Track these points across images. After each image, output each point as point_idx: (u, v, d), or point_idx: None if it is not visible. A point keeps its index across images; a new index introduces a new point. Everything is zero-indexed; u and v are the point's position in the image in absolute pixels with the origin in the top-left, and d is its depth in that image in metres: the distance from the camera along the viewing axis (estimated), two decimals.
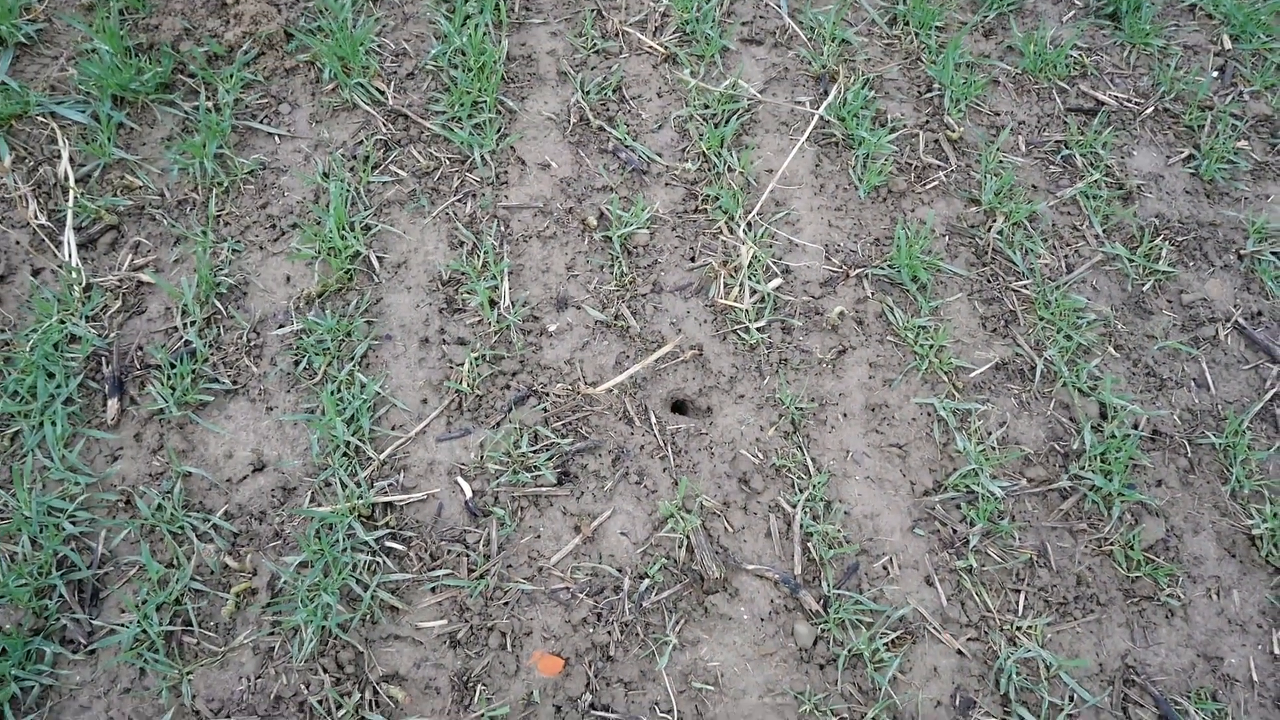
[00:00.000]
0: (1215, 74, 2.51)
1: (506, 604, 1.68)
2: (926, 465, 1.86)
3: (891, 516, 1.81)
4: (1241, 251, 2.20)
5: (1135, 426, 1.94)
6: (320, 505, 1.73)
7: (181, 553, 1.68)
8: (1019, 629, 1.71)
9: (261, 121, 2.17)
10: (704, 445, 1.87)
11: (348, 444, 1.80)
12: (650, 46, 2.40)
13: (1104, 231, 2.20)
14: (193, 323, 1.90)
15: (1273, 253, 2.20)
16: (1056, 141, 2.33)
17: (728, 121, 2.27)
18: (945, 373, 1.97)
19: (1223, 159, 2.34)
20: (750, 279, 2.05)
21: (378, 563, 1.69)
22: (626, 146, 2.23)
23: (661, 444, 1.86)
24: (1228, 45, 2.58)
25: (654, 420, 1.89)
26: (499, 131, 2.21)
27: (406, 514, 1.75)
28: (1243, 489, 1.88)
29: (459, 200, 2.12)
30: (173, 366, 1.84)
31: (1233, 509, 1.87)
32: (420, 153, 2.17)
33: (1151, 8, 2.60)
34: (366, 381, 1.87)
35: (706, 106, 2.31)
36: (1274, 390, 2.02)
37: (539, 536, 1.75)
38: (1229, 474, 1.90)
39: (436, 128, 2.20)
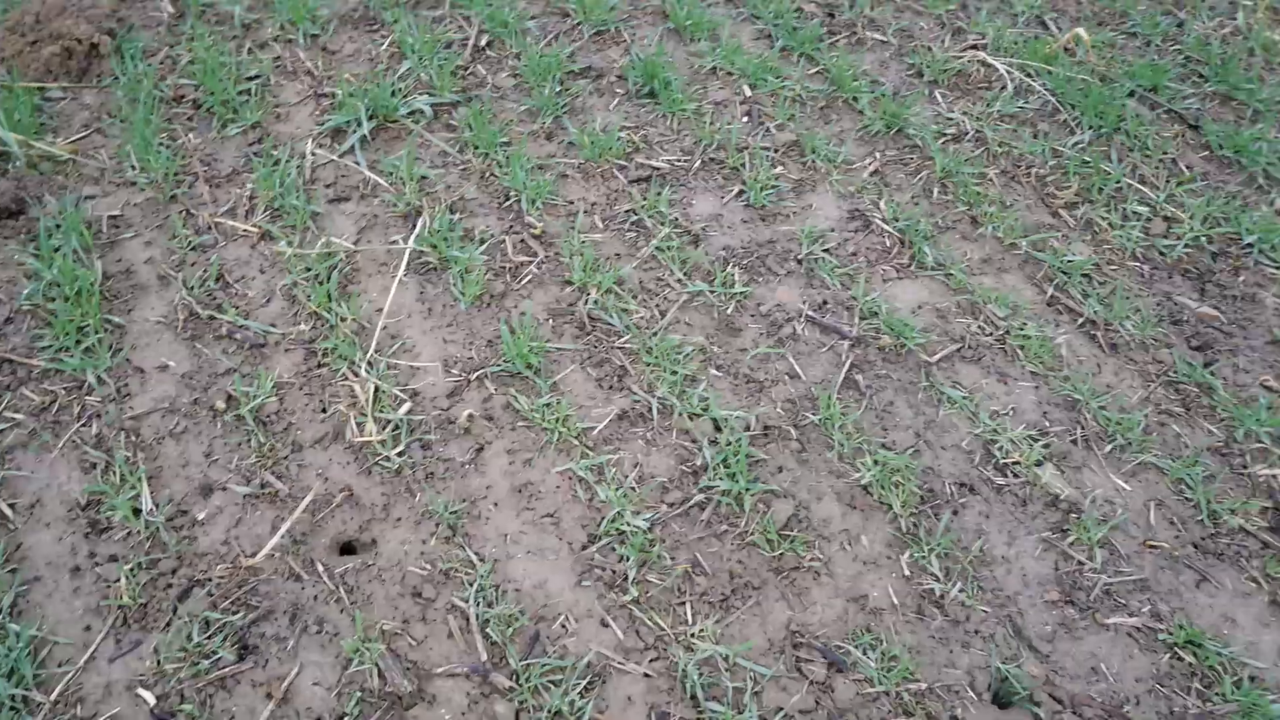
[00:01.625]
0: (745, 118, 2.89)
1: None
2: (578, 523, 2.04)
3: (558, 579, 1.96)
4: (799, 257, 2.54)
5: (747, 429, 2.19)
6: None
7: None
8: (692, 635, 1.89)
9: None
10: (373, 575, 1.97)
11: (13, 698, 1.79)
12: (244, 230, 2.54)
13: (684, 274, 2.48)
14: None
15: (824, 251, 2.55)
16: (626, 211, 2.62)
17: (330, 277, 2.43)
18: (575, 438, 2.16)
19: (766, 186, 2.69)
20: (380, 412, 2.18)
21: None
22: (240, 327, 2.34)
23: (333, 588, 1.95)
24: (749, 93, 2.98)
25: (321, 569, 1.98)
26: (111, 349, 2.27)
27: None
28: (846, 450, 2.16)
29: (83, 425, 2.16)
30: None
31: (843, 469, 2.14)
32: (33, 390, 2.20)
33: (680, 79, 2.97)
34: (20, 629, 1.86)
35: (308, 269, 2.45)
36: (850, 360, 2.33)
37: (233, 717, 1.79)
38: (833, 441, 2.17)
39: (44, 363, 2.24)
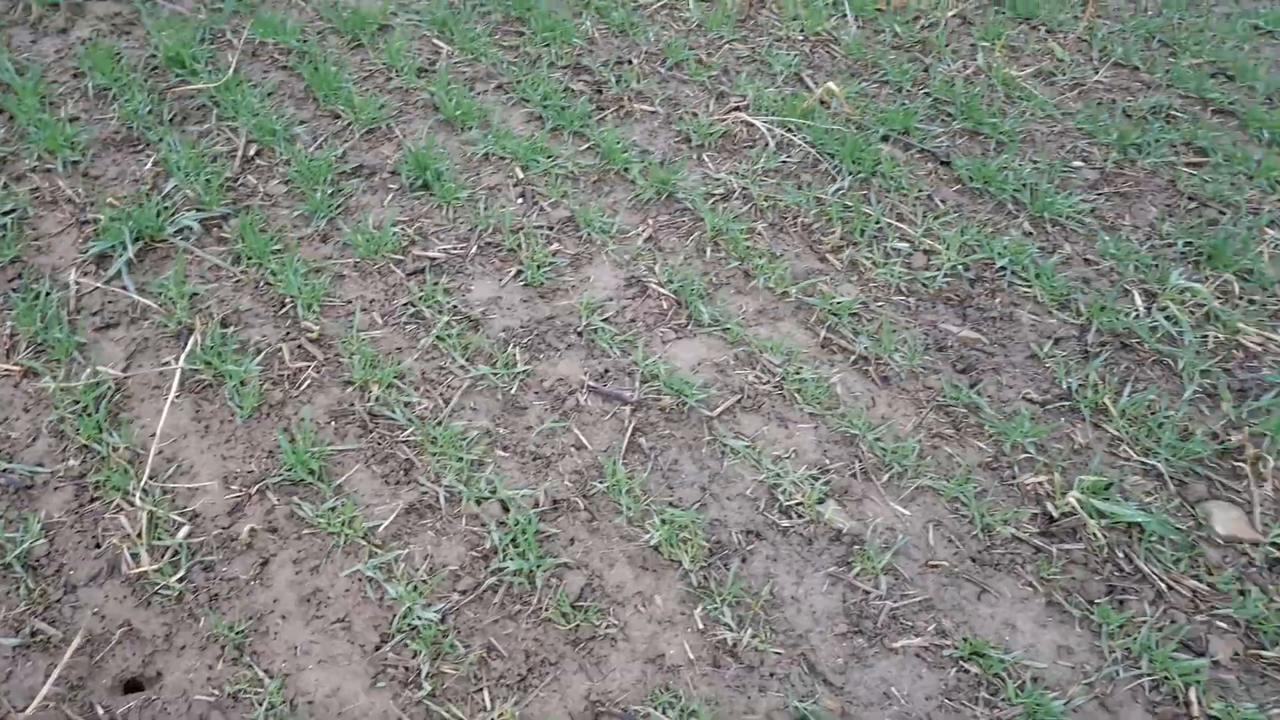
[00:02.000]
0: (519, 200, 2.94)
1: None
2: (370, 625, 2.01)
3: (351, 684, 1.92)
4: (579, 330, 2.58)
5: (536, 505, 2.20)
6: None
7: None
8: None
9: None
10: (158, 710, 1.89)
11: None
12: (5, 370, 2.45)
13: (466, 360, 2.49)
14: None
15: (603, 320, 2.60)
16: (405, 304, 2.63)
17: (98, 408, 2.36)
18: (361, 538, 2.13)
19: (543, 264, 2.74)
20: (156, 539, 2.12)
21: None
22: (3, 471, 2.24)
23: None
24: (521, 175, 3.04)
25: (102, 712, 1.89)
26: None
27: None
28: (634, 513, 2.19)
29: None
30: None
31: (633, 533, 2.16)
32: None
33: (453, 168, 3.01)
34: None
35: (76, 402, 2.37)
36: (632, 425, 2.37)
37: None
38: (621, 507, 2.20)
39: None
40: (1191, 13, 4.27)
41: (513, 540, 2.13)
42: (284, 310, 2.60)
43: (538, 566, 2.09)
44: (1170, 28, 4.13)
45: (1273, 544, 2.25)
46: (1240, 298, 2.85)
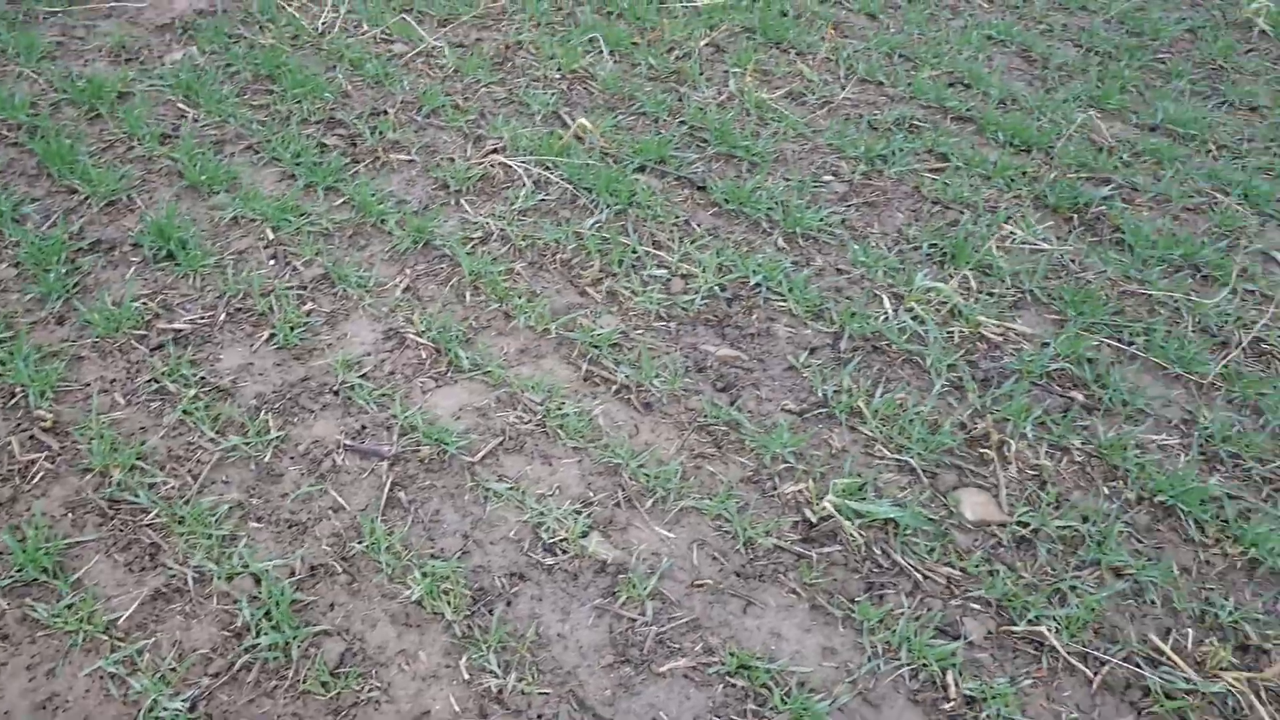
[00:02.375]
0: (271, 261, 2.86)
1: None
2: None
3: None
4: (335, 389, 2.52)
5: (291, 574, 2.12)
6: None
7: None
8: None
9: None
10: None
11: None
12: None
13: (216, 432, 2.40)
14: None
15: (360, 377, 2.54)
16: (149, 381, 2.51)
17: None
18: (102, 632, 2.02)
19: (297, 325, 2.68)
20: None
21: None
22: None
23: None
24: (272, 236, 2.96)
25: None
26: None
27: None
28: (395, 570, 2.13)
29: None
30: None
31: (394, 590, 2.12)
32: None
33: (199, 235, 2.91)
34: None
35: None
36: (391, 479, 2.32)
37: None
38: (381, 565, 2.14)
39: None
40: (930, 28, 4.52)
41: (266, 614, 2.05)
42: (14, 401, 2.45)
43: (294, 637, 2.02)
44: (910, 43, 4.35)
45: (1019, 523, 2.36)
46: (980, 292, 3.00)
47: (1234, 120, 4.10)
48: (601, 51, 3.98)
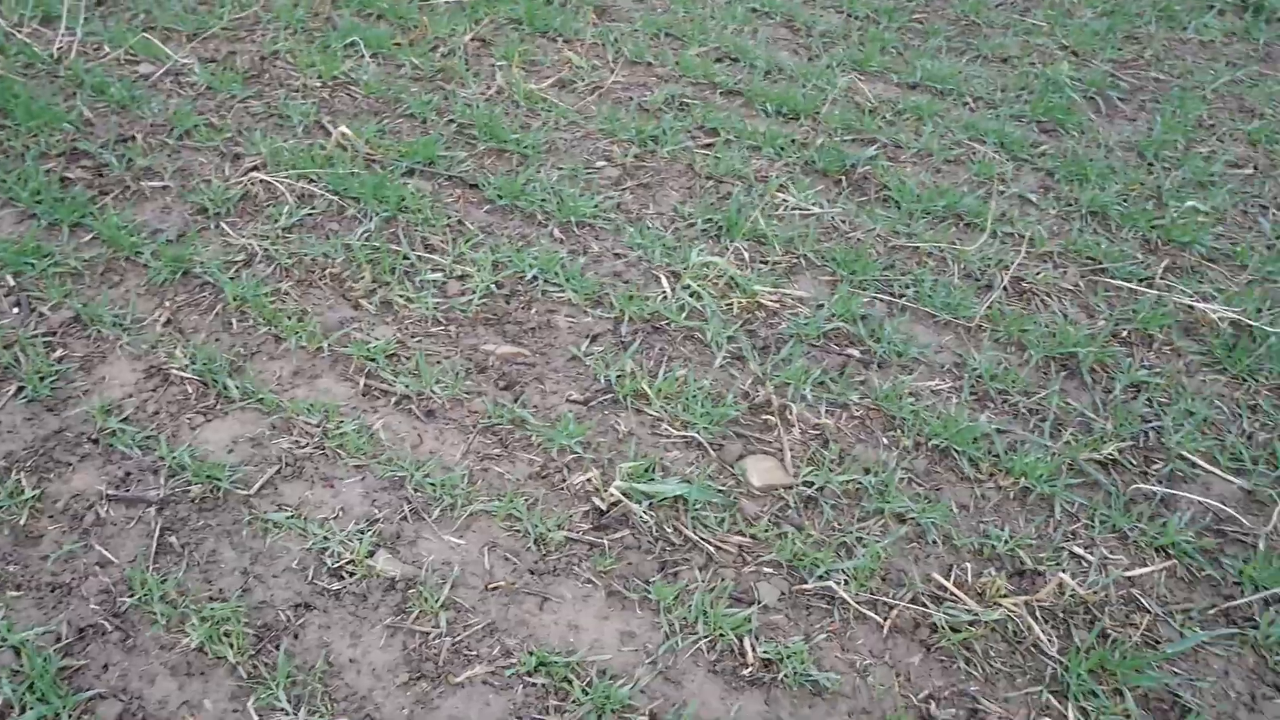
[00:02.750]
0: (15, 310, 2.67)
1: None
2: None
3: None
4: (94, 437, 2.38)
5: (57, 641, 1.99)
6: None
7: None
8: None
9: None
10: None
11: None
12: None
13: None
14: None
15: (121, 422, 2.40)
16: None
17: None
18: None
19: (47, 374, 2.51)
20: None
21: None
22: None
23: None
24: (13, 282, 2.77)
25: None
26: None
27: None
28: (171, 619, 2.03)
29: None
30: None
31: (171, 640, 2.02)
32: None
33: None
34: None
35: None
36: (159, 525, 2.21)
37: None
38: (157, 616, 2.03)
39: None
40: (695, 5, 4.58)
41: (30, 687, 1.92)
42: None
43: (64, 708, 1.90)
44: (677, 21, 4.40)
45: (804, 483, 2.42)
46: (755, 262, 3.06)
47: (987, 72, 4.30)
48: (363, 55, 3.89)
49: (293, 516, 2.26)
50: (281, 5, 4.12)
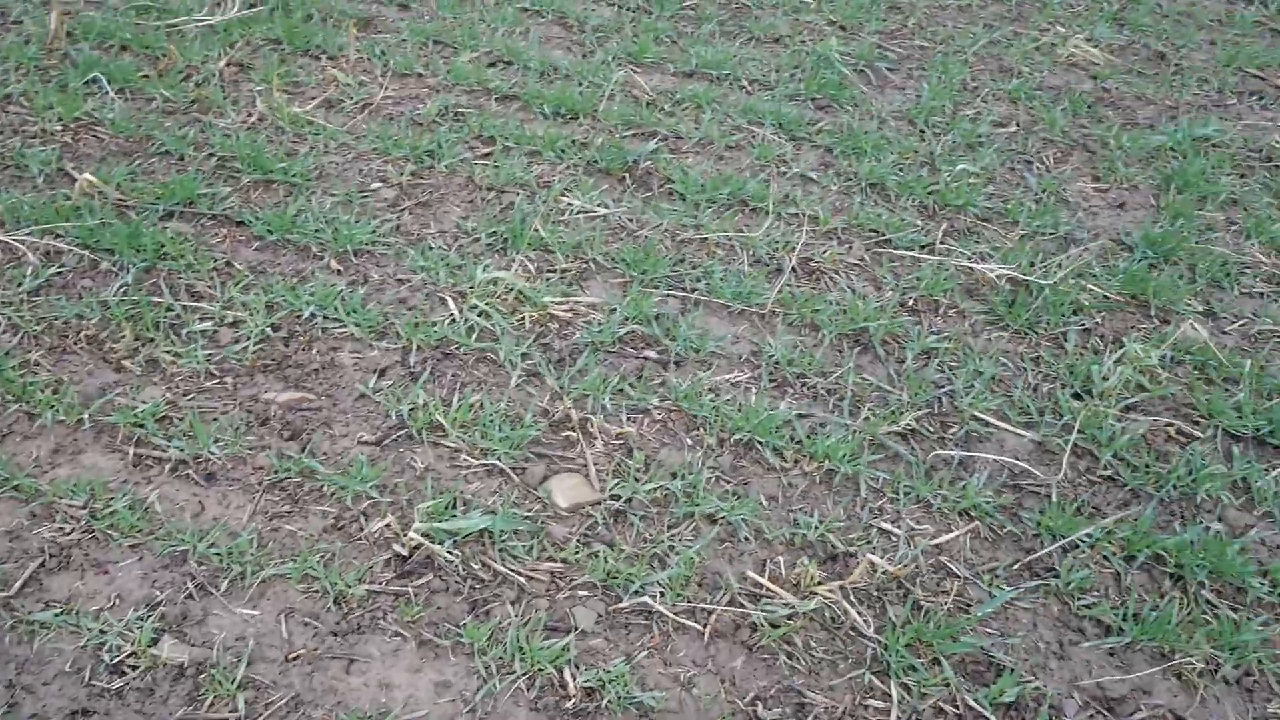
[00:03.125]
0: None
1: None
2: None
3: None
4: None
5: None
6: None
7: None
8: None
9: None
10: None
11: None
12: None
13: None
14: None
15: None
16: None
17: None
18: None
19: None
20: None
21: None
22: None
23: None
24: None
25: None
26: None
27: None
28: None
29: None
30: None
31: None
32: None
33: None
34: None
35: None
36: None
37: None
38: None
39: None
40: (464, 9, 4.46)
41: None
42: None
43: None
44: (446, 28, 4.28)
45: (612, 497, 2.36)
46: (543, 272, 2.99)
47: (761, 53, 4.35)
48: (107, 92, 3.62)
49: (62, 613, 2.08)
50: (10, 44, 3.80)
